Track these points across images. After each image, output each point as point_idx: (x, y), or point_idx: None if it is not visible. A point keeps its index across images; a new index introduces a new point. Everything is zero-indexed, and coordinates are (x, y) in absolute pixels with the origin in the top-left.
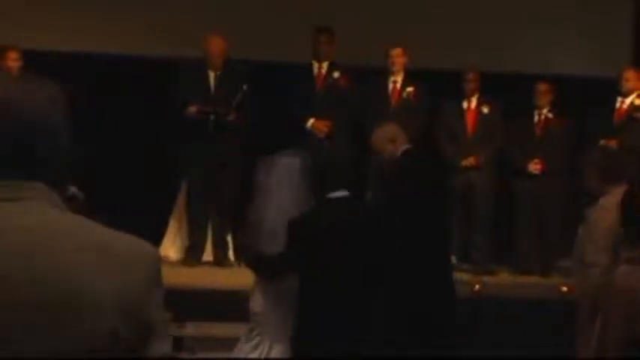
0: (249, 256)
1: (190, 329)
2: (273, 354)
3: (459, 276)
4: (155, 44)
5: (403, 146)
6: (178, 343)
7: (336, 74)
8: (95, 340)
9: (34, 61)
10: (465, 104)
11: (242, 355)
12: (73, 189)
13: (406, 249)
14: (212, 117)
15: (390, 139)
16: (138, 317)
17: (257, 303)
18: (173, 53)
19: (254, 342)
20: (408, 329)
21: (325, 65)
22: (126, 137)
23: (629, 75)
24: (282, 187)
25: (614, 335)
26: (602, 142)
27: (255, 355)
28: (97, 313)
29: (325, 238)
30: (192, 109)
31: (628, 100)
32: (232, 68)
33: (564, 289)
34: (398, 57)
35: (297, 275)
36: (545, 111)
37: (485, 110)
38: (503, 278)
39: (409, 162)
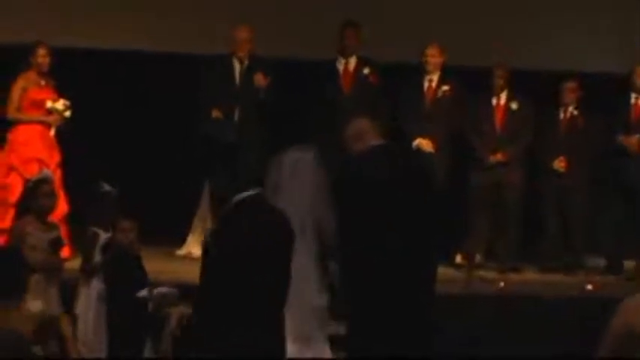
0: None
1: None
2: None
3: (483, 273)
4: (181, 41)
5: (372, 142)
6: None
7: (366, 70)
8: None
9: (61, 58)
10: (494, 100)
11: None
12: (105, 185)
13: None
14: (237, 112)
15: (357, 137)
16: None
17: None
18: (199, 50)
19: None
20: None
21: (352, 61)
22: (151, 136)
23: None
24: (293, 184)
25: None
26: (621, 138)
27: None
28: None
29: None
30: (216, 112)
31: None
32: (257, 63)
33: (589, 287)
34: (433, 57)
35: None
36: (571, 108)
37: (514, 107)
38: (528, 276)
39: (365, 160)
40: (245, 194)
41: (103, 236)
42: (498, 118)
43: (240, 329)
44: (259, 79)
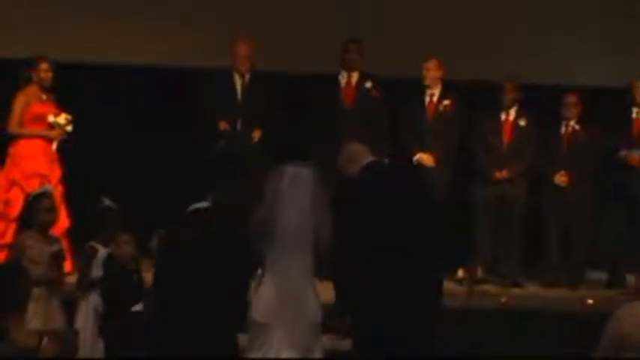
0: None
1: None
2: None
3: (485, 288)
4: (184, 56)
5: (364, 163)
6: None
7: (368, 84)
8: None
9: (63, 72)
10: (503, 116)
11: None
12: (107, 200)
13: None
14: (239, 124)
15: (349, 160)
16: None
17: (262, 306)
18: (201, 64)
19: (261, 352)
20: None
21: (355, 75)
22: (152, 150)
23: None
24: (294, 194)
25: None
26: (623, 152)
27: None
28: None
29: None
30: (223, 124)
31: None
32: (258, 79)
33: (590, 301)
34: (431, 70)
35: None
36: (572, 123)
37: (522, 123)
38: (530, 291)
39: (363, 176)
40: (199, 204)
41: (102, 251)
42: (506, 133)
43: (189, 333)
44: (256, 135)
